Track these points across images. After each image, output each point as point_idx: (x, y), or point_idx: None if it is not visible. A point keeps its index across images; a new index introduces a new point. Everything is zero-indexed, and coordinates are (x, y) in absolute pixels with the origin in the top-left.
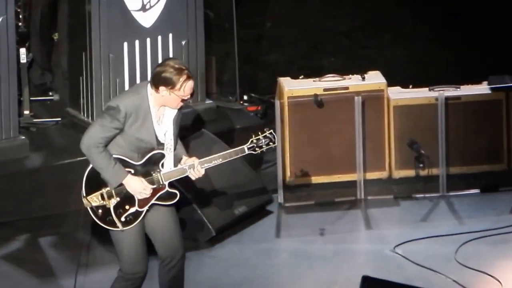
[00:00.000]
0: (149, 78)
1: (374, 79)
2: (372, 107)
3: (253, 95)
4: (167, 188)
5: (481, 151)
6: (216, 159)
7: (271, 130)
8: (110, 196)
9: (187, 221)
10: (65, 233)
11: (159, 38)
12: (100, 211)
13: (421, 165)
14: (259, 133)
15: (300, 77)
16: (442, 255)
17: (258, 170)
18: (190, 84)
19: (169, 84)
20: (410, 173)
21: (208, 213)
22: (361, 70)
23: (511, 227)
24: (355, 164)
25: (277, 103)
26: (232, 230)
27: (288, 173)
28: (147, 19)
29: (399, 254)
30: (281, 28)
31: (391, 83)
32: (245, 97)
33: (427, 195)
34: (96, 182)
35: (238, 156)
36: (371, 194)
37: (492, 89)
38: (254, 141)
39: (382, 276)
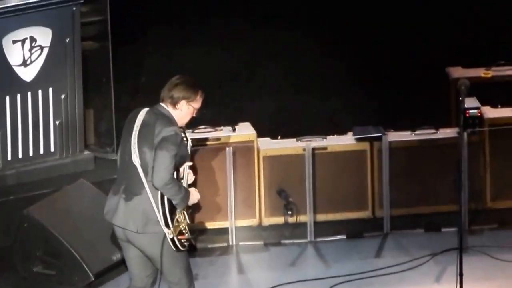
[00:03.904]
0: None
1: (244, 130)
2: (243, 157)
3: None
4: None
5: (347, 198)
6: None
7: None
8: (184, 218)
9: (65, 266)
10: None
11: (40, 92)
12: (183, 235)
13: (289, 212)
14: None
15: None
16: None
17: None
18: (203, 96)
19: (189, 96)
20: (279, 220)
21: (87, 257)
22: (232, 121)
23: (375, 271)
24: (227, 212)
25: None
26: (110, 275)
27: None
28: (28, 74)
29: None
30: (155, 81)
31: (260, 133)
32: None
33: (295, 241)
34: (170, 211)
35: None
36: (242, 240)
37: (357, 139)
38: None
39: None
